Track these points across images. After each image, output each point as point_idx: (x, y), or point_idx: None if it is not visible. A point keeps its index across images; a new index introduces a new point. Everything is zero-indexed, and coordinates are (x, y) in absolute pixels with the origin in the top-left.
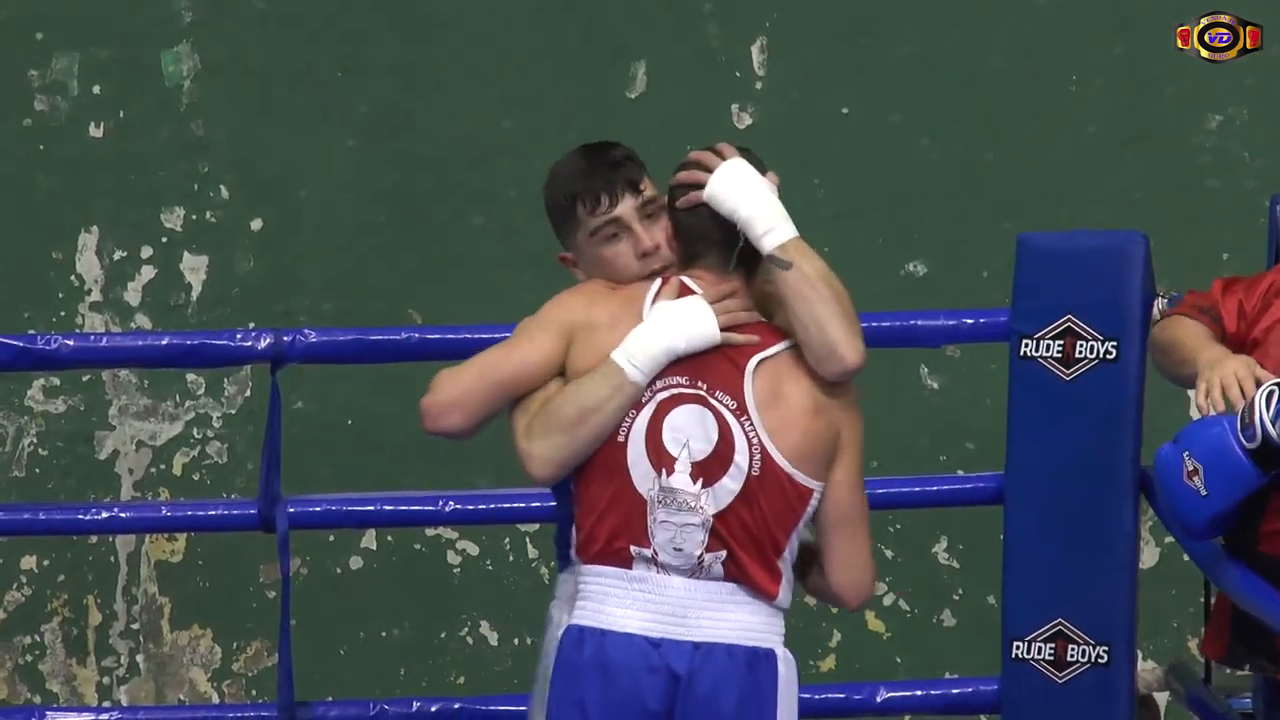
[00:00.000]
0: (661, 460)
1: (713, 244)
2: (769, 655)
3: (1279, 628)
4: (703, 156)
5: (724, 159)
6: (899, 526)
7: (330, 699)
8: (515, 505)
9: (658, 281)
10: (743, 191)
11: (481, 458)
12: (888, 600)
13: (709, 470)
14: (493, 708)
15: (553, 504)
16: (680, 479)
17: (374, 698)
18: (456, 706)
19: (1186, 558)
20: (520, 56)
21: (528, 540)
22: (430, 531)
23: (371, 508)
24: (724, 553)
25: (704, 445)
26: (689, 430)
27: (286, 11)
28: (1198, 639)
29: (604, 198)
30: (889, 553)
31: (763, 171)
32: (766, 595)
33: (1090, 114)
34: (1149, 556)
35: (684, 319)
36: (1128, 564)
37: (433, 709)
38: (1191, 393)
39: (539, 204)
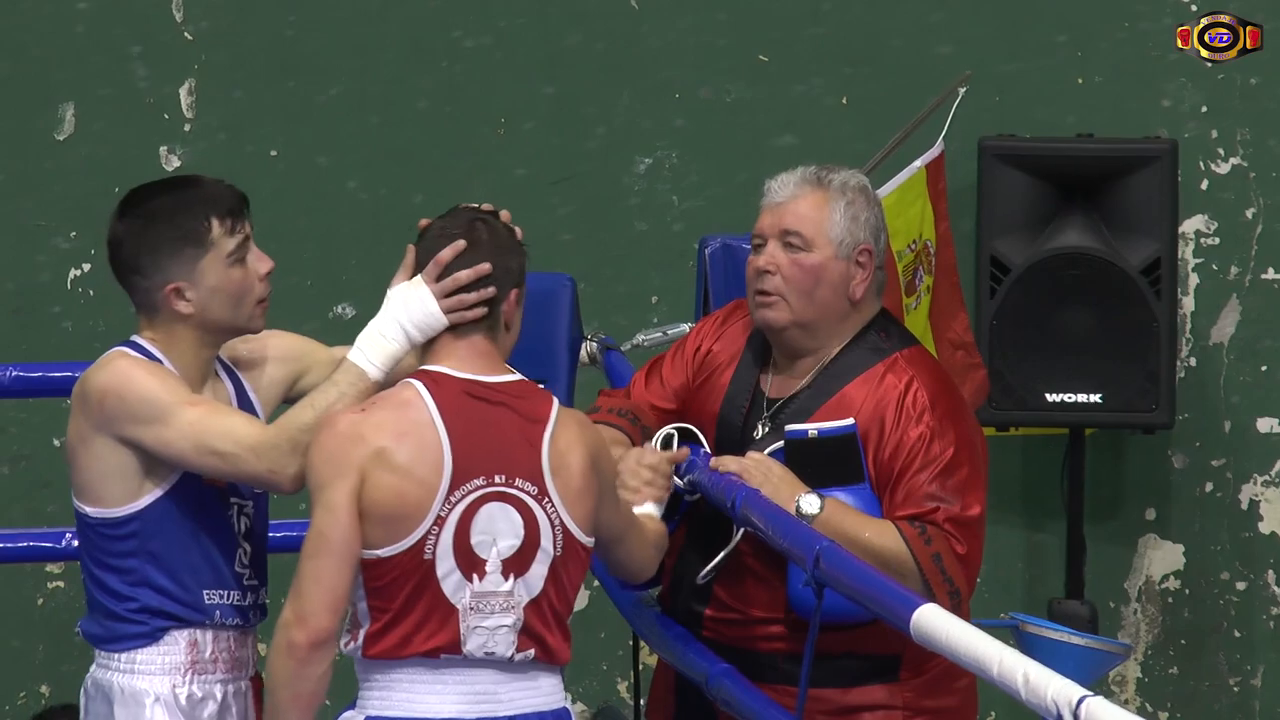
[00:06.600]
0: (472, 567)
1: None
2: (564, 714)
3: (695, 676)
4: None
5: None
6: None
7: None
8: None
9: (419, 388)
10: None
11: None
12: None
13: (519, 562)
14: None
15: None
16: (492, 580)
17: None
18: None
19: None
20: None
21: None
22: None
23: None
24: (532, 650)
25: (512, 541)
26: (495, 529)
27: None
28: (628, 682)
29: (240, 216)
30: None
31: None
32: (562, 661)
33: (518, 156)
34: (579, 600)
35: (412, 309)
36: None
37: None
38: None
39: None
